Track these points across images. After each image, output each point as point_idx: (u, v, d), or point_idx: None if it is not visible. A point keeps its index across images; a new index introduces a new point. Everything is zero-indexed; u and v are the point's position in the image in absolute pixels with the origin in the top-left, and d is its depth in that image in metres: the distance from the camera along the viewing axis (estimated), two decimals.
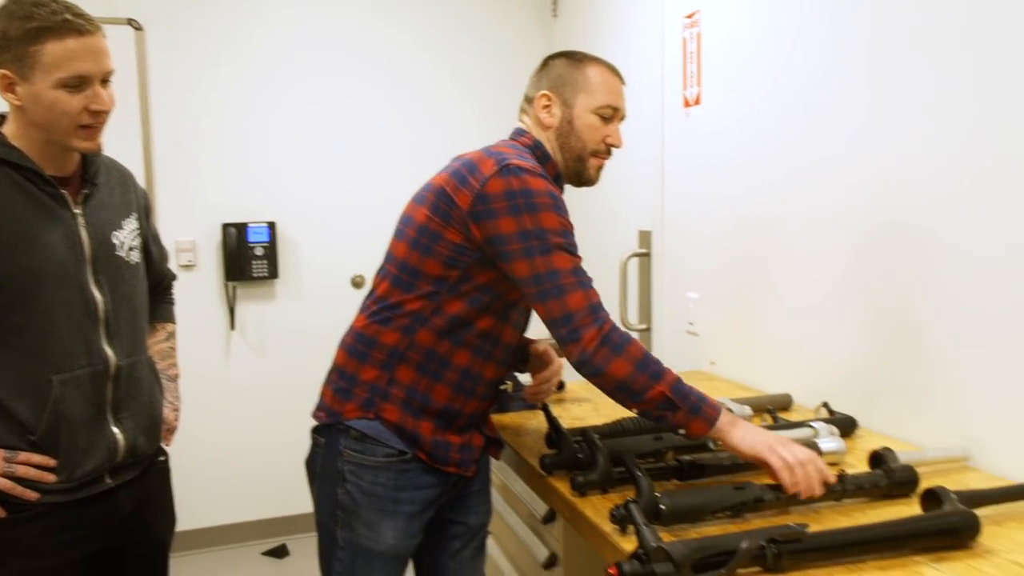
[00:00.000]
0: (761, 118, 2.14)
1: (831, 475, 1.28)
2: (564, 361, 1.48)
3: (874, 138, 1.72)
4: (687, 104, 2.51)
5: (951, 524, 1.13)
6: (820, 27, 1.90)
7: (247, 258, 3.42)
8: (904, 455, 1.42)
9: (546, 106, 1.58)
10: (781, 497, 1.26)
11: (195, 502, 3.43)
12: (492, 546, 2.10)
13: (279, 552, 3.46)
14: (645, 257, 2.79)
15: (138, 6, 3.23)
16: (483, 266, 1.43)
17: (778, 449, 1.27)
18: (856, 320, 1.80)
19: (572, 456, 1.49)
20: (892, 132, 1.67)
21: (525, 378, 2.08)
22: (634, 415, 1.66)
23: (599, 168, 1.59)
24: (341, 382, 1.52)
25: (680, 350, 2.59)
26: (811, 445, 1.49)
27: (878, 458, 1.39)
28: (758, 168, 2.16)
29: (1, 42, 1.38)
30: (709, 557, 1.05)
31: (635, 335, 2.85)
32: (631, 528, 1.16)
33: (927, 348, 1.61)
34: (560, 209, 1.41)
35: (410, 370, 1.47)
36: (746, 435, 1.31)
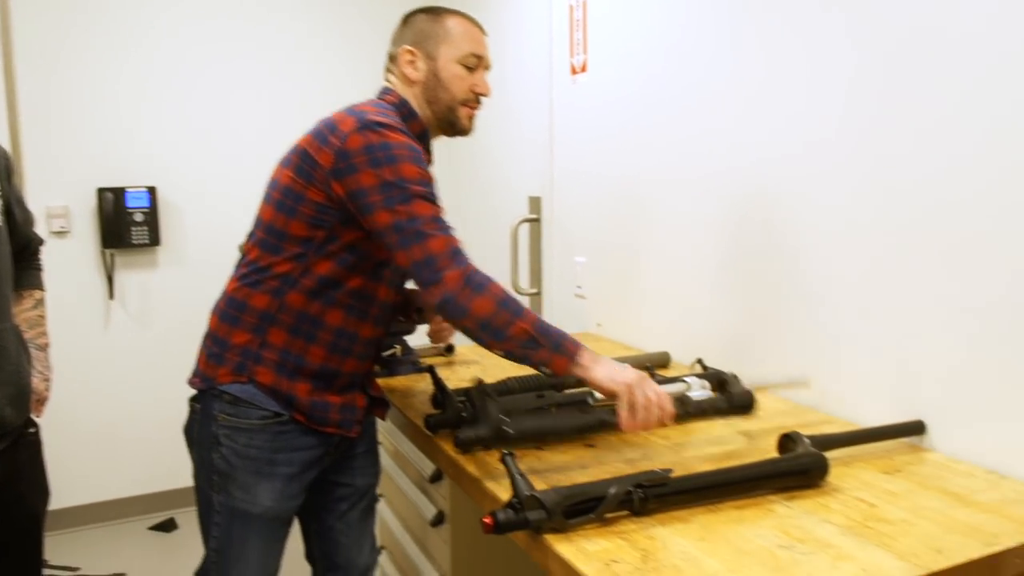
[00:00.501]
0: (645, 86, 2.19)
1: (670, 418, 1.32)
2: None
3: (753, 110, 1.80)
4: (574, 71, 2.55)
5: (802, 465, 1.22)
6: None
7: (126, 224, 3.28)
8: (749, 381, 1.52)
9: (410, 61, 1.58)
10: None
11: (78, 477, 3.31)
12: (383, 507, 2.12)
13: (167, 526, 3.38)
14: (535, 223, 2.84)
15: None
16: (348, 225, 1.43)
17: (632, 389, 1.30)
18: (728, 283, 1.90)
19: (456, 415, 1.52)
20: (769, 105, 1.75)
21: (414, 341, 2.10)
22: (520, 375, 1.72)
23: (471, 117, 1.61)
24: (214, 347, 1.50)
25: (568, 313, 2.66)
26: (683, 398, 1.57)
27: (723, 384, 1.50)
28: (641, 136, 2.22)
29: None
30: (580, 503, 1.10)
31: (526, 300, 2.92)
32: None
33: (787, 308, 1.71)
34: (419, 161, 1.42)
35: (282, 332, 1.47)
36: (606, 371, 1.34)
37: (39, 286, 1.82)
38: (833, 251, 1.59)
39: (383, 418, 1.71)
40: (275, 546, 1.56)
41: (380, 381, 1.95)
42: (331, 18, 3.59)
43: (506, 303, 1.34)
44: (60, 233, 3.24)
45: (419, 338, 2.14)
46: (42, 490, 1.73)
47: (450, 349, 2.21)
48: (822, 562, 0.99)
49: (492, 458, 1.39)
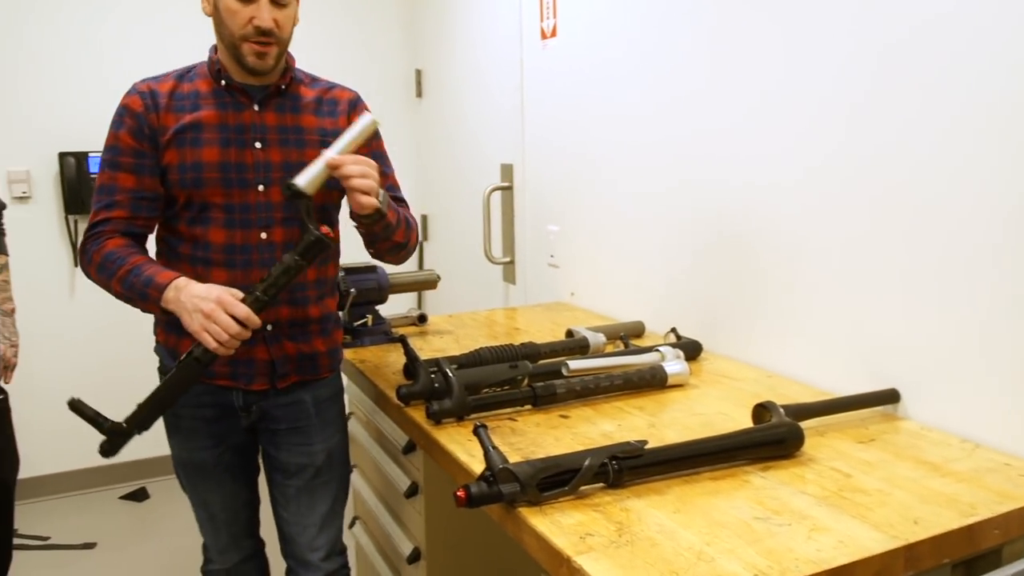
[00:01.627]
0: (615, 51, 2.16)
1: (246, 316, 1.38)
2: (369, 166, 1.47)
3: (725, 72, 1.77)
4: (544, 36, 2.50)
5: (778, 435, 1.22)
6: None
7: (90, 190, 3.19)
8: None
9: None
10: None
11: (48, 446, 3.26)
12: (357, 479, 2.11)
13: (138, 495, 3.35)
14: (507, 191, 2.80)
15: None
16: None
17: (192, 313, 1.40)
18: (702, 251, 1.88)
19: (428, 386, 1.49)
20: (742, 67, 1.73)
21: (386, 311, 2.07)
22: (492, 346, 1.70)
23: (260, 55, 1.51)
24: None
25: (542, 282, 2.64)
26: (657, 368, 1.56)
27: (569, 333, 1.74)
28: (613, 102, 2.19)
29: None
30: (554, 476, 1.09)
31: (499, 268, 2.90)
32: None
33: (762, 277, 1.70)
34: (116, 125, 1.55)
35: None
36: (177, 303, 1.44)
37: (3, 251, 1.77)
38: (809, 219, 1.58)
39: (280, 385, 1.65)
40: (214, 493, 1.71)
41: (351, 352, 1.92)
42: None
43: (100, 268, 1.52)
44: (22, 199, 3.16)
45: (391, 308, 2.12)
46: (12, 457, 1.71)
47: (423, 319, 2.18)
48: (798, 533, 0.99)
49: (465, 429, 1.37)
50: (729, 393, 1.54)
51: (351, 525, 2.13)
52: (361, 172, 1.43)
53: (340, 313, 1.93)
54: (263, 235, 1.56)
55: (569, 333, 1.89)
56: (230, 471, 1.72)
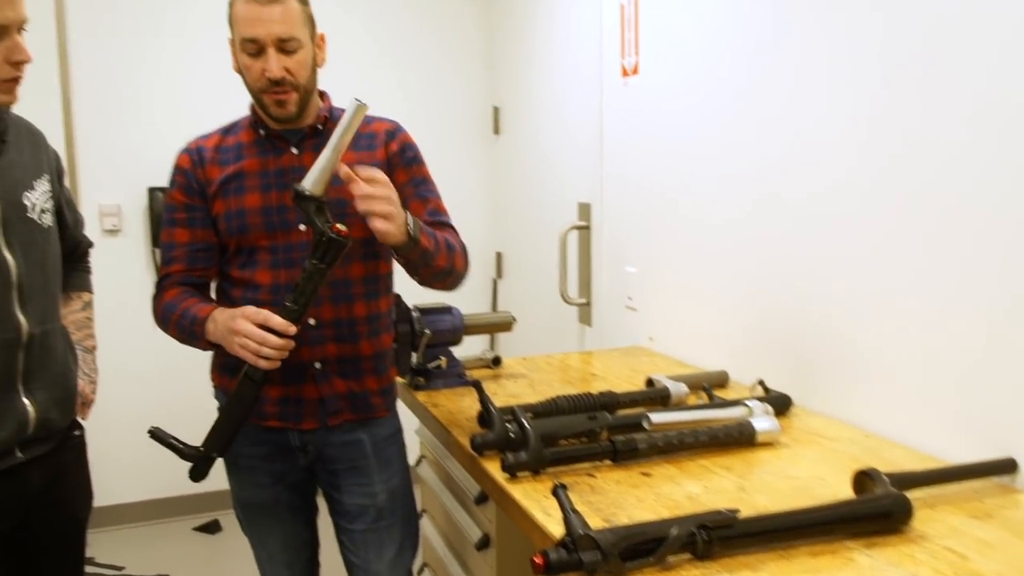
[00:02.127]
0: (699, 89, 2.09)
1: (283, 326, 1.42)
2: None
3: (819, 113, 1.69)
4: (625, 73, 2.46)
5: (883, 508, 1.12)
6: None
7: None
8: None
9: (233, 53, 1.59)
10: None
11: (124, 475, 3.32)
12: (427, 525, 2.06)
13: (211, 528, 3.37)
14: (584, 230, 2.75)
15: None
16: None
17: (226, 336, 1.47)
18: (793, 298, 1.79)
19: (504, 436, 1.44)
20: (837, 108, 1.64)
21: (460, 352, 2.03)
22: (570, 395, 1.64)
23: (279, 103, 1.54)
24: None
25: (619, 325, 2.57)
26: (745, 424, 1.47)
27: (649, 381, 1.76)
28: (697, 141, 2.12)
29: None
30: (638, 544, 1.02)
31: (575, 309, 2.84)
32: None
33: (860, 327, 1.60)
34: (171, 184, 1.66)
35: None
36: (216, 333, 1.52)
37: (88, 288, 1.81)
38: (913, 263, 1.48)
39: (335, 424, 1.65)
40: (273, 533, 1.72)
41: (423, 395, 1.89)
42: (380, 22, 3.54)
43: (162, 319, 1.62)
44: (112, 232, 3.26)
45: (465, 348, 2.07)
46: (86, 493, 1.71)
47: (497, 361, 2.14)
48: None
49: (542, 484, 1.31)
50: (825, 455, 1.44)
51: (420, 572, 2.08)
52: (367, 193, 1.40)
53: (414, 355, 1.91)
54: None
55: (649, 382, 1.82)
56: (289, 510, 1.72)
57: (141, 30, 3.20)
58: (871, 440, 1.51)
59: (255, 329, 1.43)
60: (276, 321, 1.42)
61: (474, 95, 3.70)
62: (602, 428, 1.48)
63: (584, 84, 2.72)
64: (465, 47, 3.68)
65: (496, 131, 3.69)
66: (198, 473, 1.52)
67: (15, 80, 1.39)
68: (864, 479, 1.20)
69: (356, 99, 1.41)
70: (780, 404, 1.66)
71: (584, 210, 2.76)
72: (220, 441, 1.52)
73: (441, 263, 1.58)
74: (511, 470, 1.35)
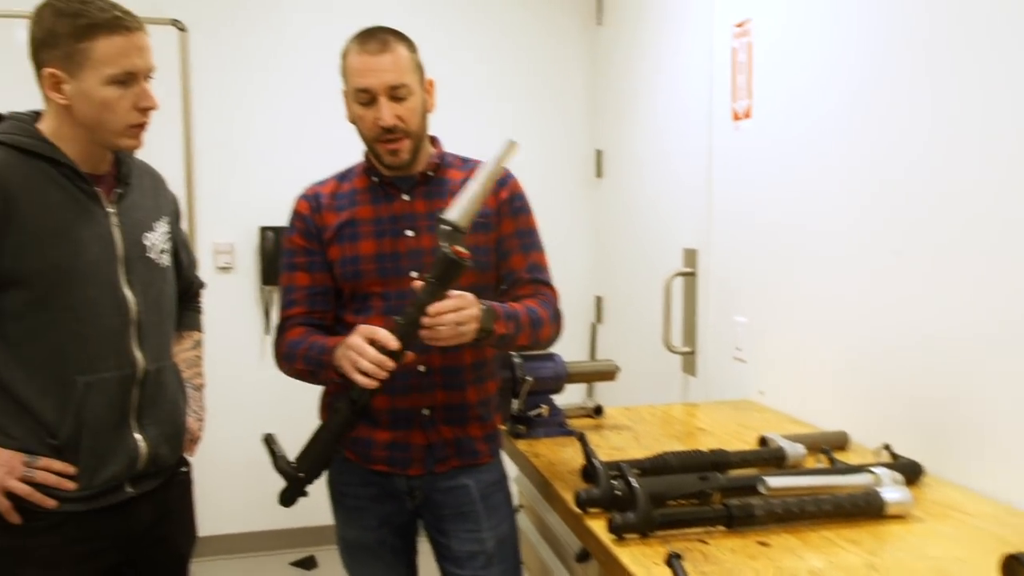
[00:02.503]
0: (816, 133, 2.01)
1: (385, 338, 1.41)
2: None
3: (939, 158, 1.59)
4: (736, 117, 2.39)
5: None
6: (879, 36, 1.77)
7: None
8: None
9: (346, 103, 1.62)
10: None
11: (225, 507, 3.38)
12: None
13: (307, 563, 3.40)
14: (690, 277, 2.67)
15: (182, 7, 3.21)
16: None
17: (342, 351, 1.47)
18: (921, 350, 1.66)
19: (610, 494, 1.38)
20: (959, 151, 1.54)
21: (562, 400, 1.98)
22: (679, 451, 1.57)
23: (392, 151, 1.57)
24: None
25: (726, 377, 2.46)
26: (873, 494, 1.36)
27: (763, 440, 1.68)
28: (812, 186, 2.03)
29: (49, 40, 1.37)
30: None
31: (678, 358, 2.75)
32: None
33: (1001, 388, 1.46)
34: (290, 231, 1.68)
35: None
36: (337, 357, 1.50)
37: (198, 327, 1.86)
38: None
39: (442, 470, 1.65)
40: (375, 575, 1.71)
41: (524, 443, 1.84)
42: (490, 70, 3.58)
43: (287, 357, 1.64)
44: (224, 269, 3.37)
45: (565, 397, 2.02)
46: (190, 530, 1.74)
47: (599, 411, 2.07)
48: None
49: (650, 548, 1.24)
50: (964, 533, 1.31)
51: None
52: (452, 334, 1.43)
53: (515, 402, 1.87)
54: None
55: (762, 440, 1.72)
56: (392, 552, 1.71)
57: (256, 82, 3.34)
58: (1017, 518, 1.37)
59: (359, 340, 1.43)
60: (380, 334, 1.42)
61: (577, 138, 3.69)
62: (714, 490, 1.39)
63: (692, 127, 2.66)
64: (569, 90, 3.68)
65: (599, 174, 3.66)
66: (287, 497, 1.53)
67: (141, 126, 1.45)
68: (1015, 565, 1.08)
69: (509, 138, 1.46)
70: (910, 472, 1.53)
71: (690, 256, 2.68)
72: (309, 462, 1.51)
73: (522, 342, 1.59)
74: (618, 531, 1.28)
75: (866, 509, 1.35)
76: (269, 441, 1.52)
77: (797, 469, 1.57)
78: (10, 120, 1.44)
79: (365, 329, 1.45)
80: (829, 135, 1.97)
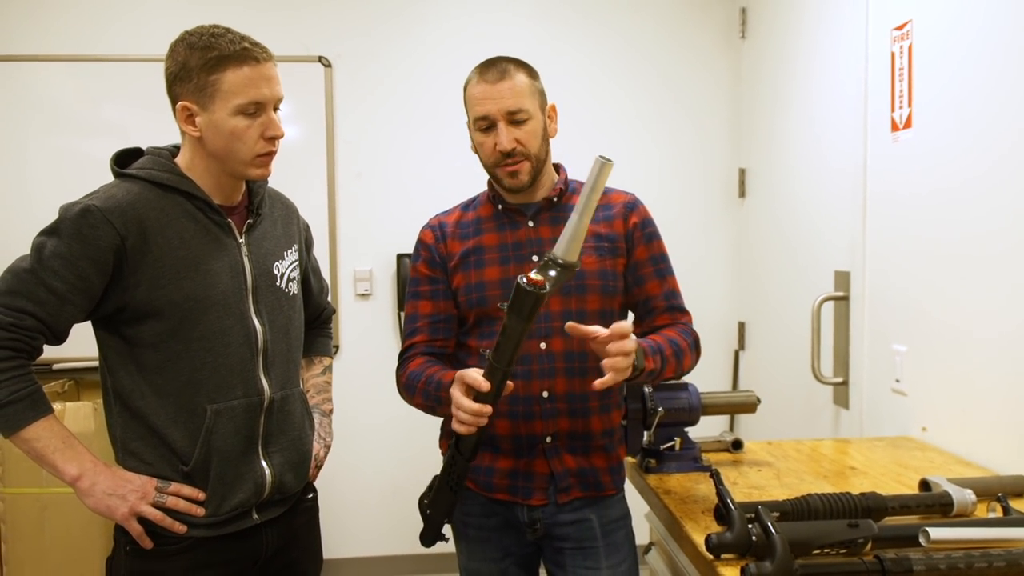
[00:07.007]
0: (985, 142, 1.82)
1: (473, 381, 1.38)
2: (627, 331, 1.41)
3: None
4: (895, 127, 2.20)
5: None
6: None
7: None
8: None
9: (470, 133, 1.65)
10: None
11: (352, 531, 3.44)
12: None
13: None
14: (842, 301, 2.48)
15: (327, 44, 3.35)
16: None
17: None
18: None
19: (745, 539, 1.26)
20: None
21: (696, 433, 1.87)
22: (826, 493, 1.43)
23: (512, 174, 1.58)
24: None
25: (883, 411, 2.26)
26: None
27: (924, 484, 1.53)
28: (980, 202, 1.83)
29: (182, 74, 1.42)
30: None
31: (828, 389, 2.55)
32: None
33: None
34: (415, 259, 1.71)
35: None
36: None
37: (328, 353, 1.88)
38: None
39: (563, 500, 1.62)
40: None
41: (654, 478, 1.74)
42: (629, 89, 3.50)
43: (407, 388, 1.64)
44: (363, 296, 3.46)
45: (702, 429, 1.90)
46: (316, 557, 1.75)
47: (738, 445, 1.94)
48: None
49: None
50: None
51: None
52: (616, 365, 1.38)
53: (645, 434, 1.78)
54: (542, 345, 1.59)
55: (924, 484, 1.54)
56: None
57: (394, 115, 3.43)
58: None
59: (456, 392, 1.42)
60: (470, 376, 1.39)
61: (719, 156, 3.55)
62: (866, 540, 1.25)
63: (845, 140, 2.48)
64: (709, 108, 3.55)
65: (741, 194, 3.50)
66: (426, 538, 1.56)
67: (269, 155, 1.48)
68: None
69: (600, 156, 1.32)
70: None
71: (842, 279, 2.49)
72: (435, 508, 1.55)
73: (667, 375, 1.56)
74: None
75: None
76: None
77: (965, 519, 1.40)
78: (149, 155, 1.50)
79: (460, 376, 1.42)
80: (999, 145, 1.77)
